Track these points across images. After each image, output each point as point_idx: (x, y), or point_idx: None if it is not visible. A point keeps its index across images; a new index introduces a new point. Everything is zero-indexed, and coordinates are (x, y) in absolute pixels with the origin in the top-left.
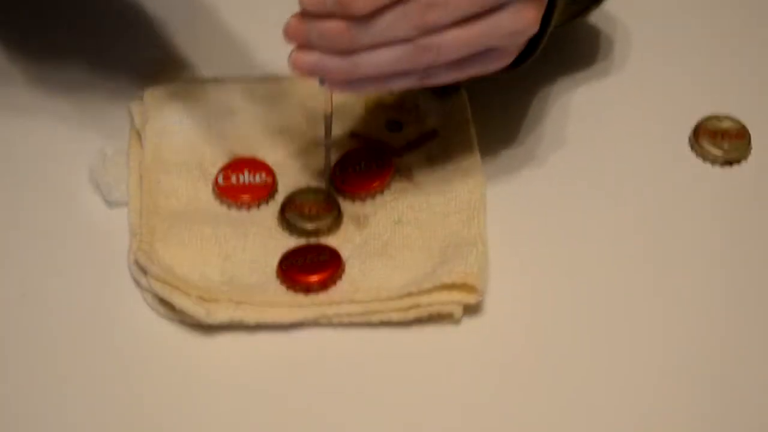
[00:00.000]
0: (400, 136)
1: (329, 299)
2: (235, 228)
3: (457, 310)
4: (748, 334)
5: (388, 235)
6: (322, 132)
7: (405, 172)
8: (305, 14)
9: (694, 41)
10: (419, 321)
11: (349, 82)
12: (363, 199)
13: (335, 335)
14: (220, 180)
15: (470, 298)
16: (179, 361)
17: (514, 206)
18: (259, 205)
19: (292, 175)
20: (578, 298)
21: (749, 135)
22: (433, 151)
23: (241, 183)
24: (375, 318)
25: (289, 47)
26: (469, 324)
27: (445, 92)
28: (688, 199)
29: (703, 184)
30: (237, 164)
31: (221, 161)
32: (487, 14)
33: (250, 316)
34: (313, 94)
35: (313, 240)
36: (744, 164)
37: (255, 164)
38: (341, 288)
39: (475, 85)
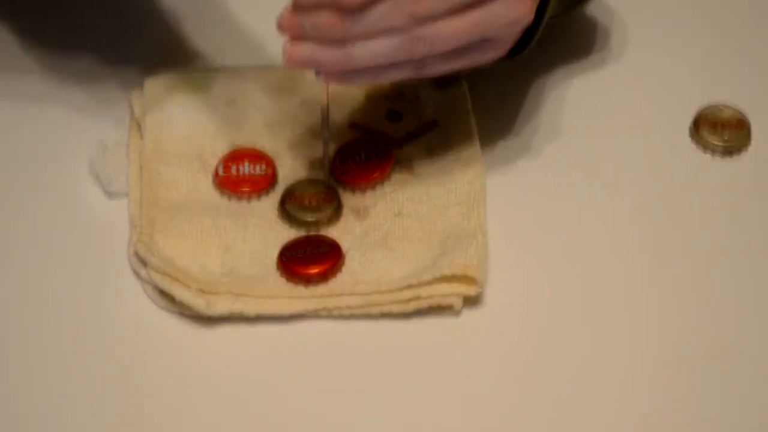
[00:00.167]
0: (400, 127)
1: (329, 291)
2: (235, 219)
3: (457, 302)
4: (748, 324)
5: (388, 227)
6: (321, 123)
7: (405, 163)
8: (298, 6)
9: (693, 30)
10: (419, 313)
11: (344, 74)
12: (363, 191)
13: (335, 327)
14: (220, 171)
15: (470, 290)
16: (179, 353)
17: (515, 197)
18: (259, 197)
19: (292, 166)
20: (578, 289)
21: (749, 125)
22: (433, 141)
23: (241, 174)
24: (375, 310)
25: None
26: (468, 315)
27: (445, 83)
28: (688, 189)
29: (703, 174)
30: (237, 155)
31: (221, 152)
32: (481, 4)
33: (250, 307)
34: (313, 85)
35: (313, 231)
36: (744, 154)
37: (255, 155)
38: (341, 280)
39: (475, 75)
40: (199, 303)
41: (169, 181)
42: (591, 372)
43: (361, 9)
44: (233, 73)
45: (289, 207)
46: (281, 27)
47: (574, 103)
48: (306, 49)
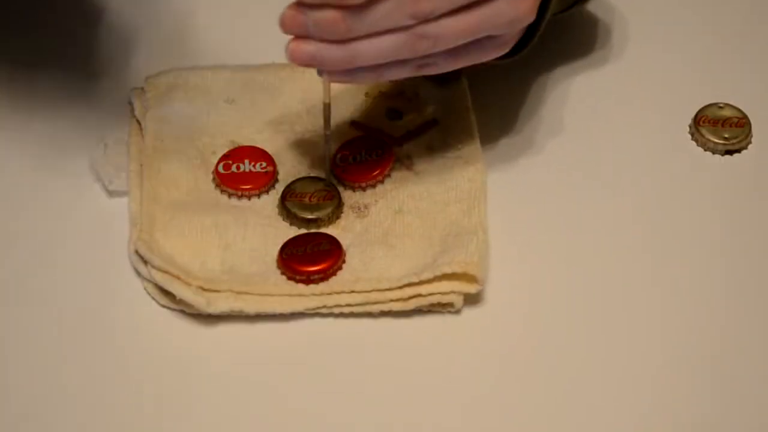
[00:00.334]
0: (400, 125)
1: (330, 289)
2: (236, 217)
3: (458, 300)
4: (748, 323)
5: (389, 224)
6: (322, 121)
7: (405, 161)
8: (301, 5)
9: (694, 29)
10: (419, 311)
11: (347, 72)
12: (363, 189)
13: (335, 325)
14: (221, 169)
15: (470, 288)
16: (180, 351)
17: (515, 195)
18: (259, 195)
19: (292, 164)
20: (578, 287)
21: (750, 123)
22: (434, 139)
23: (241, 172)
24: (375, 308)
25: (288, 36)
26: (469, 313)
27: (445, 80)
28: (688, 187)
29: (703, 173)
30: (237, 153)
31: (222, 150)
32: (483, 2)
33: (250, 305)
34: (313, 83)
35: (313, 229)
36: (744, 153)
37: (255, 153)
38: (341, 278)
39: (475, 73)
40: (199, 301)
41: (169, 179)
42: (591, 370)
43: (364, 7)
44: (234, 71)
45: (289, 205)
46: (284, 26)
47: (575, 100)
48: (309, 47)
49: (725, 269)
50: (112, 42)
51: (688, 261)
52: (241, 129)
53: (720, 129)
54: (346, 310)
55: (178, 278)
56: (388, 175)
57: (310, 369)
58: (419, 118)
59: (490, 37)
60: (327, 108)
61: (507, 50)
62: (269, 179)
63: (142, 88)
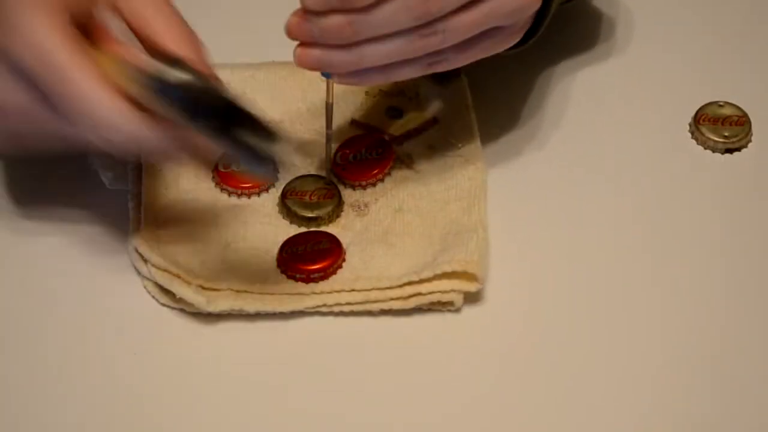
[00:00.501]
0: (400, 124)
1: (330, 288)
2: (236, 216)
3: (458, 299)
4: (748, 321)
5: (389, 223)
6: (322, 119)
7: (405, 160)
8: (307, 10)
9: (696, 26)
10: (419, 309)
11: (356, 74)
12: (364, 187)
13: (335, 324)
14: (221, 167)
15: (471, 287)
16: (180, 350)
17: (515, 193)
18: (259, 193)
19: (292, 162)
20: (578, 285)
21: (750, 122)
22: (434, 138)
23: (241, 170)
24: (375, 307)
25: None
26: (469, 312)
27: (445, 78)
28: (688, 186)
29: (703, 171)
30: None
31: None
32: None
33: (250, 304)
34: (313, 82)
35: (313, 228)
36: (744, 151)
37: None
38: (342, 276)
39: (475, 71)
40: (199, 300)
41: (170, 177)
42: (591, 368)
43: (370, 10)
44: (234, 70)
45: (289, 203)
46: (289, 33)
47: (575, 99)
48: (316, 52)
49: (725, 267)
50: None
51: (688, 259)
52: None
53: (720, 127)
54: (346, 308)
55: (178, 277)
56: (389, 174)
57: (310, 368)
58: (419, 116)
59: (498, 28)
60: (330, 108)
61: (517, 40)
62: None
63: None
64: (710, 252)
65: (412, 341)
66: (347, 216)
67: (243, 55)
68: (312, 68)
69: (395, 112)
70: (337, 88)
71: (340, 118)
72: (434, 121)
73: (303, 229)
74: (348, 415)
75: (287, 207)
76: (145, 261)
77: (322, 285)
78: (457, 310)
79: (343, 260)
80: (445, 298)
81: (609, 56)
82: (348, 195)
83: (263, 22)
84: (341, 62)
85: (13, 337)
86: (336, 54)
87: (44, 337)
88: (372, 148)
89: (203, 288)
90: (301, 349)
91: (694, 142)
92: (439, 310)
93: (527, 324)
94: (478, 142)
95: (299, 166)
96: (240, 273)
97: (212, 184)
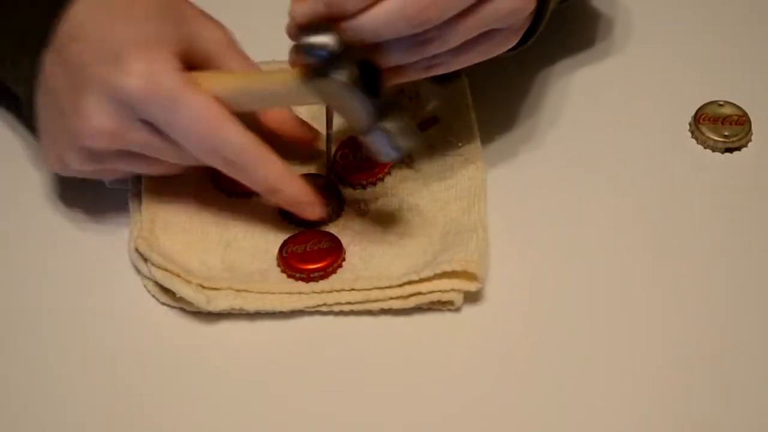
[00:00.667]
0: None
1: (330, 287)
2: (236, 215)
3: (458, 298)
4: (748, 321)
5: (389, 222)
6: (323, 119)
7: (406, 159)
8: (299, 27)
9: (695, 27)
10: (419, 309)
11: None
12: (364, 187)
13: (335, 323)
14: None
15: (470, 286)
16: (180, 349)
17: (515, 192)
18: None
19: (293, 162)
20: (579, 284)
21: (750, 121)
22: (434, 137)
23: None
24: (375, 306)
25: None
26: (469, 311)
27: (445, 78)
28: (688, 185)
29: (703, 171)
30: None
31: None
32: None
33: (250, 303)
34: None
35: (313, 227)
36: (744, 150)
37: None
38: (342, 276)
39: (475, 71)
40: (199, 298)
41: (169, 177)
42: (592, 368)
43: (363, 15)
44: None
45: None
46: (290, 36)
47: (575, 98)
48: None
49: (725, 267)
50: None
51: (688, 259)
52: None
53: (720, 127)
54: (346, 308)
55: (178, 276)
56: (389, 173)
57: (310, 367)
58: (419, 116)
59: (495, 31)
60: (330, 108)
61: (516, 41)
62: None
63: None
64: (710, 251)
65: (412, 341)
66: (348, 215)
67: None
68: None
69: None
70: None
71: (340, 119)
72: (434, 120)
73: (303, 229)
74: (348, 415)
75: None
76: (145, 260)
77: (322, 284)
78: (457, 310)
79: (343, 260)
80: (445, 297)
81: (608, 56)
82: (348, 194)
83: (263, 22)
84: None
85: (13, 337)
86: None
87: (44, 337)
88: None
89: (203, 287)
90: (301, 348)
91: (694, 141)
92: (439, 310)
93: (527, 323)
94: (478, 142)
95: (300, 165)
96: (240, 272)
97: (213, 184)
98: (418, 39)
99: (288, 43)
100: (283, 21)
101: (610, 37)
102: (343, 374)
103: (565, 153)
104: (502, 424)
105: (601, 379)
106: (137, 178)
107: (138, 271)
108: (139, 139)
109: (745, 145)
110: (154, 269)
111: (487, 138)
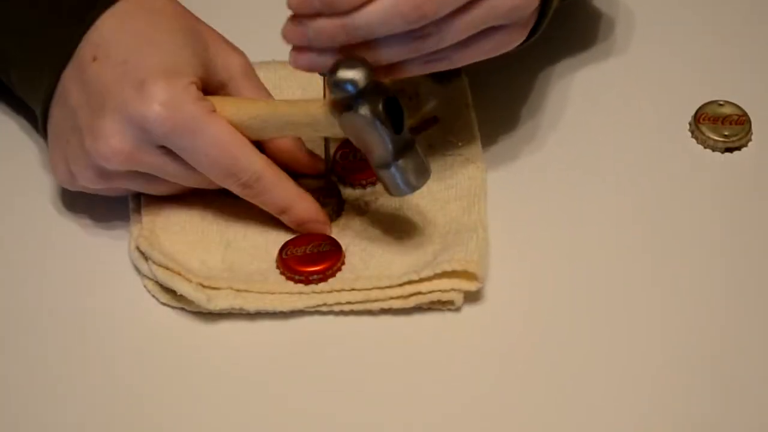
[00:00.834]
0: None
1: (330, 287)
2: (237, 215)
3: (458, 298)
4: (748, 321)
5: (389, 222)
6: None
7: None
8: (296, 16)
9: (696, 26)
10: (419, 308)
11: None
12: (364, 186)
13: (336, 323)
14: None
15: (471, 286)
16: (180, 349)
17: (515, 192)
18: None
19: None
20: (579, 284)
21: (750, 121)
22: (434, 137)
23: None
24: (375, 306)
25: None
26: (469, 311)
27: (445, 77)
28: (688, 185)
29: (703, 170)
30: None
31: None
32: None
33: (250, 303)
34: (313, 81)
35: None
36: (744, 150)
37: None
38: (342, 276)
39: (476, 70)
40: (199, 297)
41: None
42: (592, 368)
43: (360, 11)
44: None
45: None
46: (286, 37)
47: (575, 98)
48: (310, 55)
49: (725, 267)
50: None
51: (688, 259)
52: None
53: (720, 126)
54: (347, 308)
55: (179, 274)
56: None
57: (310, 367)
58: (419, 115)
59: (498, 27)
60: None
61: (523, 38)
62: None
63: None
64: (710, 251)
65: (412, 341)
66: (347, 215)
67: None
68: (306, 70)
69: None
70: None
71: None
72: (434, 120)
73: None
74: (348, 415)
75: None
76: (146, 259)
77: (322, 284)
78: (457, 310)
79: (343, 263)
80: (445, 297)
81: (609, 56)
82: (348, 194)
83: (263, 22)
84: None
85: (13, 337)
86: (330, 57)
87: (44, 337)
88: None
89: (203, 287)
90: (301, 348)
91: (694, 141)
92: (439, 310)
93: (527, 323)
94: (478, 142)
95: None
96: (240, 272)
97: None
98: (415, 35)
99: (288, 44)
100: (283, 21)
101: (611, 37)
102: (343, 374)
103: (566, 153)
104: (502, 424)
105: (601, 379)
106: None
107: (138, 270)
108: (154, 162)
109: (745, 145)
110: (155, 267)
111: (487, 138)
